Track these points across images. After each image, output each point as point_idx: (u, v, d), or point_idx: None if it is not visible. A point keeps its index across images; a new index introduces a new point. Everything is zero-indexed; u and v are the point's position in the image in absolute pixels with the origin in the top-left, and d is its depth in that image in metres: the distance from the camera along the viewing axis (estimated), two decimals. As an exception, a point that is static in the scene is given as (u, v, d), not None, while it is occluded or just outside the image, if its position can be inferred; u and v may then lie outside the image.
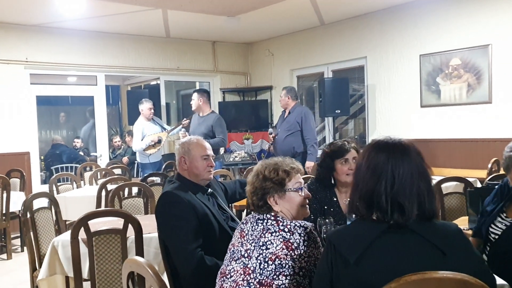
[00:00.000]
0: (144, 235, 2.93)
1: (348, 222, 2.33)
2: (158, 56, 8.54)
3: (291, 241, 1.91)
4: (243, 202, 4.50)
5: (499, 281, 2.05)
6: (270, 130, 6.80)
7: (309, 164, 6.14)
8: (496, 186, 2.78)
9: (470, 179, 4.40)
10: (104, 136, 8.37)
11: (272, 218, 2.02)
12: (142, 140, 6.99)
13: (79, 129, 10.93)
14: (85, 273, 2.97)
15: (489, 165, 5.15)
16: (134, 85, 11.51)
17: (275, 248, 1.91)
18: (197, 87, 9.90)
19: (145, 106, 7.10)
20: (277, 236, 1.94)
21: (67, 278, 3.20)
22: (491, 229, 2.59)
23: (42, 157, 8.58)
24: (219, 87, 9.27)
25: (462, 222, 3.24)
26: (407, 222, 1.55)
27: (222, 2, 6.46)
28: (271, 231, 1.97)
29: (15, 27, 7.14)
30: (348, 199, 2.49)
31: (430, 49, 6.60)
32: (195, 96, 6.56)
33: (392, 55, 7.09)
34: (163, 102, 8.88)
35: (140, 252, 2.88)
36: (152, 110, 7.17)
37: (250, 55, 9.58)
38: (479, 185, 4.93)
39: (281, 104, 6.56)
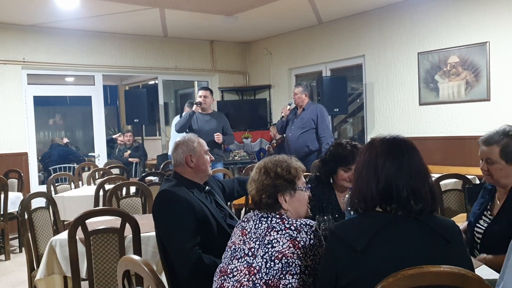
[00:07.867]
0: (142, 235, 2.91)
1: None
2: (156, 56, 8.52)
3: (297, 239, 1.89)
4: (242, 200, 4.50)
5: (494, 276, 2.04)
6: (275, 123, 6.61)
7: None
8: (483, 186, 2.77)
9: (469, 176, 4.38)
10: (102, 136, 8.34)
11: (278, 216, 2.00)
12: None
13: (76, 129, 10.89)
14: (83, 273, 2.95)
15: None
16: (132, 85, 11.52)
17: (282, 246, 1.89)
18: (196, 87, 9.87)
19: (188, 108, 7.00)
20: (284, 235, 1.92)
21: (65, 277, 3.18)
22: (476, 229, 2.57)
23: (39, 158, 8.56)
24: (217, 86, 9.25)
25: (461, 219, 3.23)
26: (413, 213, 1.60)
27: (219, 1, 6.44)
28: (276, 229, 1.94)
29: (12, 27, 7.12)
30: (347, 196, 2.50)
31: (428, 47, 6.59)
32: (206, 93, 6.26)
33: (390, 53, 7.08)
34: (161, 101, 8.87)
35: (137, 251, 2.86)
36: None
37: (249, 54, 9.57)
38: (477, 182, 4.92)
39: (297, 101, 6.32)
